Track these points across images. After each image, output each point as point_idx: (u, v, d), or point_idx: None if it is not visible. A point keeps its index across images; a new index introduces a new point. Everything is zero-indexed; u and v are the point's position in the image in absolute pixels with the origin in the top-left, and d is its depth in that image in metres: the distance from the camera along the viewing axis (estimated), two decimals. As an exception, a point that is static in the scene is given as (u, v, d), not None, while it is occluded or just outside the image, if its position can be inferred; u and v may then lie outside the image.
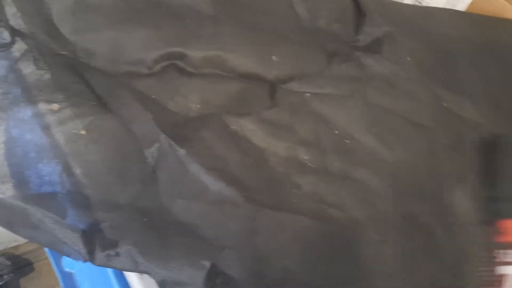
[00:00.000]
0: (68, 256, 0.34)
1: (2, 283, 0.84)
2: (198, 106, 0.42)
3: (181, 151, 0.35)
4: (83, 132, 0.36)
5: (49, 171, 0.34)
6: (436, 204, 0.42)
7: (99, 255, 0.33)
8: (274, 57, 0.47)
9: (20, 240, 0.91)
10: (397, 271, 0.36)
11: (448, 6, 0.62)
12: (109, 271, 0.47)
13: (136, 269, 0.33)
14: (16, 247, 0.92)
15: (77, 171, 0.34)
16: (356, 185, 0.40)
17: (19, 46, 0.37)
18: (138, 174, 0.36)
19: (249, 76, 0.45)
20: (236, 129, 0.40)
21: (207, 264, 0.32)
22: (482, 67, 0.55)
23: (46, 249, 0.68)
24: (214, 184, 0.34)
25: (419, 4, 0.63)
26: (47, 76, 0.37)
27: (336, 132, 0.44)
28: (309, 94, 0.45)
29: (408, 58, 0.50)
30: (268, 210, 0.34)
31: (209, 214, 0.33)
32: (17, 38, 0.38)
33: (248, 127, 0.40)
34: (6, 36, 0.37)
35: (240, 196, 0.34)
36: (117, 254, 0.33)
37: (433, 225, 0.40)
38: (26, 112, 0.35)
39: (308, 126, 0.43)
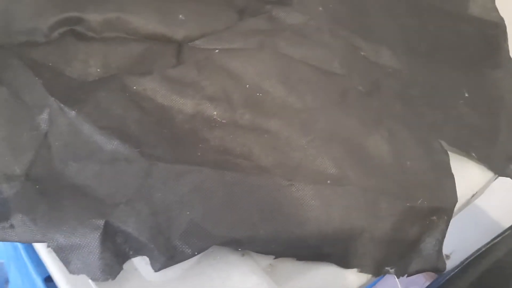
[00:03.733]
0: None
1: None
2: (99, 70, 0.41)
3: (72, 113, 0.34)
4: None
5: None
6: (350, 147, 0.42)
7: (-6, 229, 0.32)
8: (181, 16, 0.46)
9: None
10: (306, 213, 0.36)
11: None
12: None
13: (33, 239, 0.32)
14: None
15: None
16: (266, 135, 0.40)
17: None
18: (31, 142, 0.34)
19: (155, 37, 0.44)
20: (138, 89, 0.39)
21: (100, 222, 0.31)
22: (396, 15, 0.55)
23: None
24: (108, 142, 0.33)
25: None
26: None
27: (247, 86, 0.43)
28: (218, 50, 0.44)
29: (320, 8, 0.50)
30: (164, 164, 0.33)
31: (102, 173, 0.32)
32: None
33: (151, 86, 0.39)
34: None
35: (135, 151, 0.33)
36: (12, 226, 0.32)
37: (345, 167, 0.40)
38: None
39: (217, 81, 0.42)
